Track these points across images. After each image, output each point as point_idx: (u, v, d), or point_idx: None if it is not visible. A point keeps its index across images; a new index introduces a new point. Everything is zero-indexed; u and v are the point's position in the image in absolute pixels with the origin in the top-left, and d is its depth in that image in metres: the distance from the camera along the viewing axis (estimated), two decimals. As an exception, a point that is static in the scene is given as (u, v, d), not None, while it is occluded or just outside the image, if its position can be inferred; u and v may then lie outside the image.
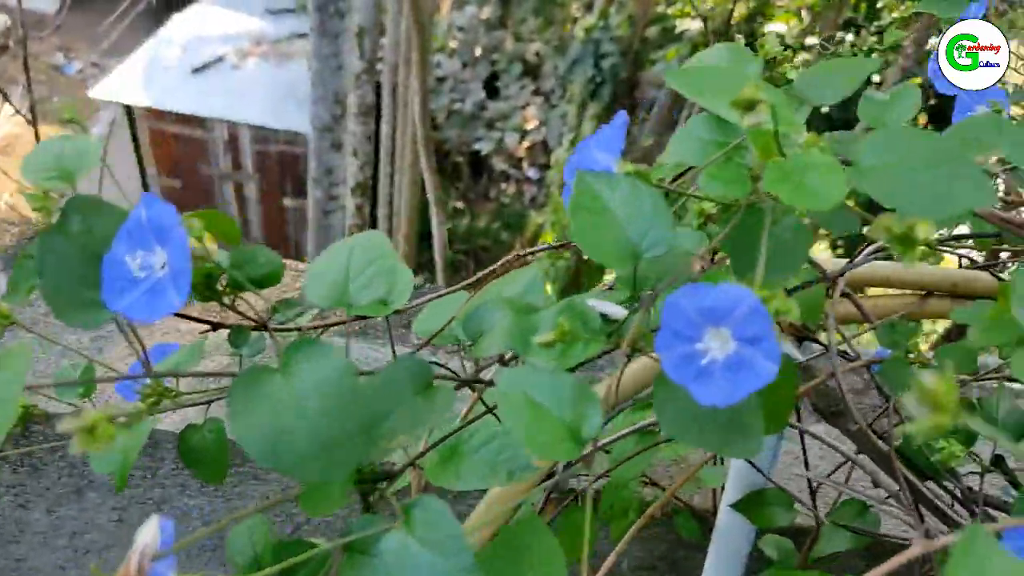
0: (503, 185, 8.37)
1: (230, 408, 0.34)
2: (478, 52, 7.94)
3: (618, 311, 0.40)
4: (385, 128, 5.51)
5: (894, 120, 0.65)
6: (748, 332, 0.32)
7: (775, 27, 6.88)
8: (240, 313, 0.45)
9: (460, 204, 8.30)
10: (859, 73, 0.50)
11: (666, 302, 0.33)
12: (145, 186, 7.56)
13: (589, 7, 7.15)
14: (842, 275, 0.67)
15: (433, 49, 7.44)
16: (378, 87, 5.39)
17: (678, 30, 6.34)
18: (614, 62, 5.56)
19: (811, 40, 6.96)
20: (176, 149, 7.39)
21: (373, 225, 5.65)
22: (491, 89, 7.87)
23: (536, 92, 7.82)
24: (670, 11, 6.36)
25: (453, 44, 7.96)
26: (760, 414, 0.37)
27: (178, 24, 8.10)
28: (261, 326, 0.46)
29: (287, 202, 7.46)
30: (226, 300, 0.43)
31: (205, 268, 0.42)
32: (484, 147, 7.53)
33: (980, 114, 0.68)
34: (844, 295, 0.73)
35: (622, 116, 0.41)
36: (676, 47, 6.47)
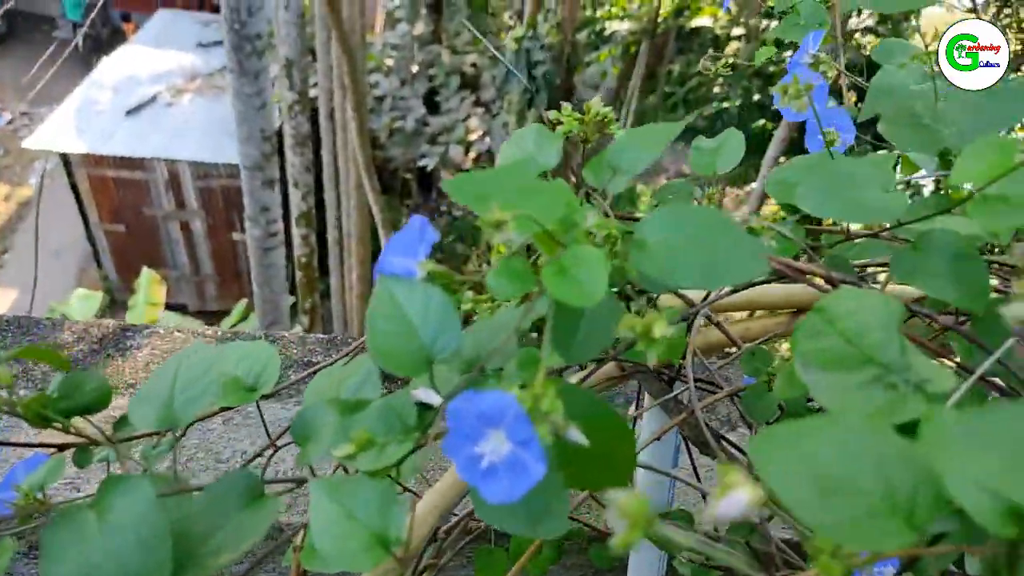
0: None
1: (41, 551, 0.35)
2: (415, 68, 7.94)
3: (437, 400, 0.42)
4: (326, 155, 5.49)
5: (723, 164, 0.68)
6: (518, 435, 0.34)
7: (702, 21, 7.00)
8: (81, 435, 0.46)
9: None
10: (663, 138, 0.53)
11: (448, 408, 0.35)
12: (89, 235, 7.43)
13: (521, 16, 7.20)
14: (704, 304, 0.70)
15: (369, 69, 7.42)
16: (314, 114, 5.37)
17: (608, 32, 6.43)
18: (547, 69, 5.61)
19: (737, 31, 7.09)
20: (117, 193, 7.27)
21: (323, 252, 5.62)
22: (431, 104, 7.88)
23: (477, 103, 7.85)
24: (599, 14, 6.45)
25: (389, 62, 7.95)
26: (563, 495, 0.40)
27: (108, 66, 7.98)
28: (109, 441, 0.48)
29: (236, 236, 7.38)
30: (60, 425, 0.44)
31: (40, 398, 0.43)
32: (429, 162, 7.54)
33: (813, 154, 0.70)
34: (714, 323, 0.76)
35: (417, 221, 0.43)
36: (608, 48, 6.56)
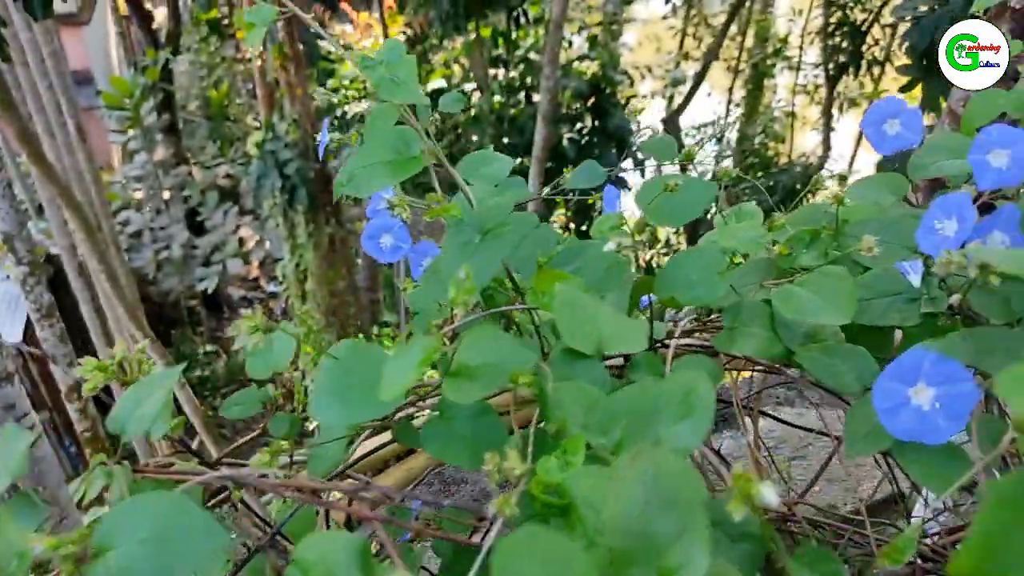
0: (247, 311, 8.06)
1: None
2: (167, 195, 7.60)
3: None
4: (87, 313, 5.09)
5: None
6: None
7: (436, 83, 7.29)
8: None
9: (210, 347, 7.87)
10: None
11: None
12: None
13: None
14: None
15: (116, 208, 7.00)
16: (55, 278, 4.99)
17: (350, 114, 6.50)
18: (298, 165, 5.58)
19: (469, 85, 7.43)
20: None
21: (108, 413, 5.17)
22: (195, 226, 7.57)
23: (242, 213, 7.63)
24: (335, 100, 6.52)
25: (137, 196, 7.56)
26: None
27: None
28: None
29: None
30: None
31: None
32: (209, 284, 7.21)
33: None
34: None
35: None
36: (354, 130, 6.62)
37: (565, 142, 6.51)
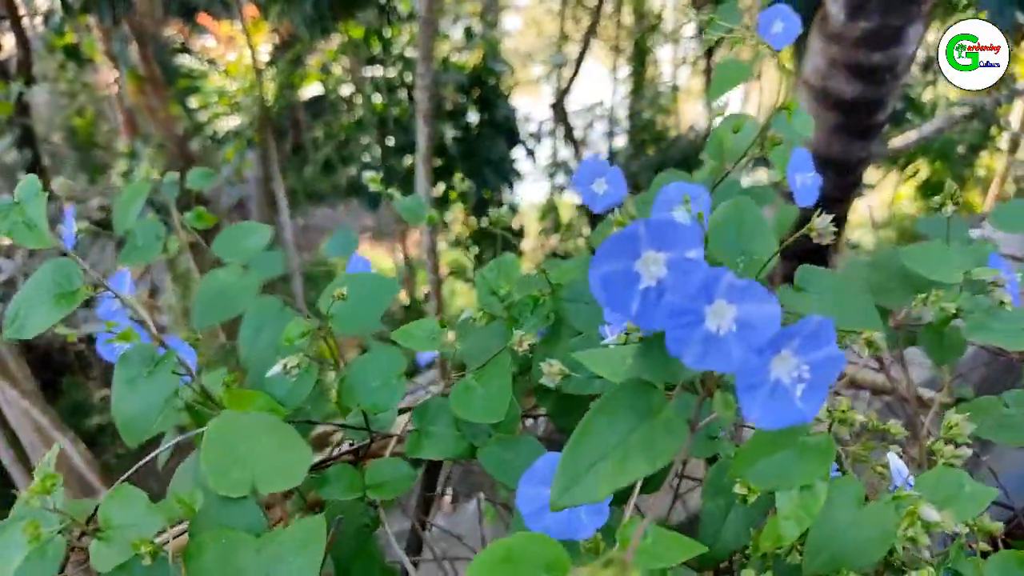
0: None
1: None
2: (36, 235, 7.10)
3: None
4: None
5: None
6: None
7: (315, 88, 7.05)
8: None
9: (106, 390, 7.44)
10: None
11: None
12: None
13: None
14: None
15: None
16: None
17: (221, 132, 6.21)
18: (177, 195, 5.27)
19: (347, 89, 7.22)
20: None
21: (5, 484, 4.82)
22: (72, 264, 7.10)
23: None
24: (204, 117, 6.21)
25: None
26: None
27: None
28: None
29: None
30: None
31: None
32: (94, 327, 6.79)
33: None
34: None
35: None
36: (232, 145, 6.32)
37: (450, 140, 6.41)
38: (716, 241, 0.65)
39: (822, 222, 0.57)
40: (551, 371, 0.60)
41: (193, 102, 5.98)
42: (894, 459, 0.65)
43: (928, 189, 6.26)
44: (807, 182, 0.89)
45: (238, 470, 0.50)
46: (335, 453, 0.77)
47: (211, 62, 6.24)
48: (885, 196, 8.43)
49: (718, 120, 0.91)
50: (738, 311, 0.42)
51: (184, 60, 6.06)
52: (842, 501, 0.58)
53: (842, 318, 0.63)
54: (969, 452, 0.65)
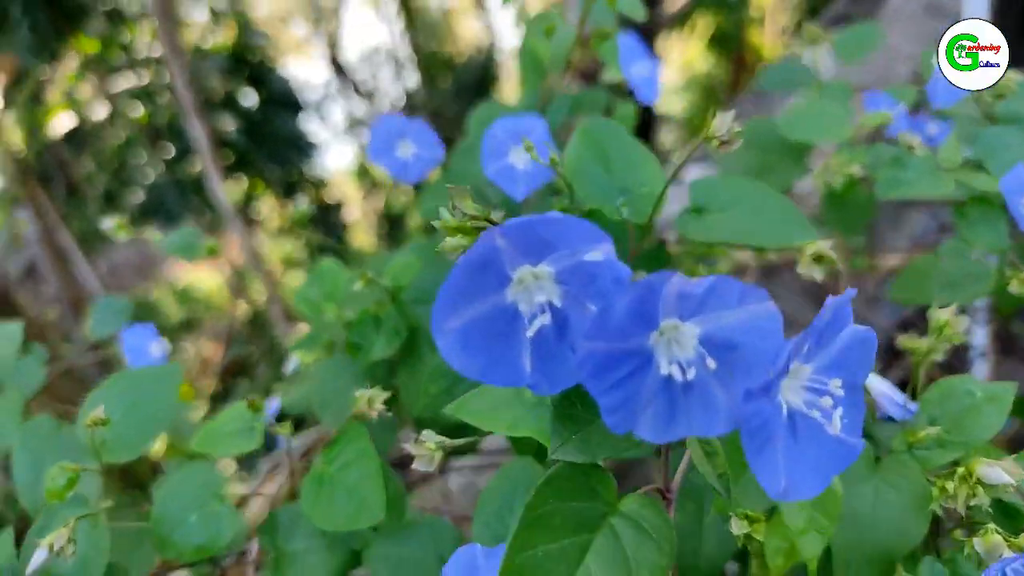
0: None
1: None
2: None
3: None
4: None
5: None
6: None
7: (64, 123, 6.26)
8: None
9: None
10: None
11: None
12: None
13: None
14: None
15: None
16: None
17: None
18: None
19: (103, 111, 6.47)
20: None
21: None
22: None
23: None
24: None
25: None
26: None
27: None
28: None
29: None
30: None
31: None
32: None
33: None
34: None
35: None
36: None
37: (232, 130, 5.90)
38: (581, 186, 0.48)
39: (723, 122, 0.40)
40: (424, 450, 0.40)
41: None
42: (875, 380, 0.51)
43: (716, 42, 6.40)
44: (644, 73, 0.74)
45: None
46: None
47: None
48: (677, 61, 8.63)
49: (522, 27, 0.72)
50: (704, 329, 0.24)
51: None
52: (853, 475, 0.43)
53: (768, 236, 0.47)
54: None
